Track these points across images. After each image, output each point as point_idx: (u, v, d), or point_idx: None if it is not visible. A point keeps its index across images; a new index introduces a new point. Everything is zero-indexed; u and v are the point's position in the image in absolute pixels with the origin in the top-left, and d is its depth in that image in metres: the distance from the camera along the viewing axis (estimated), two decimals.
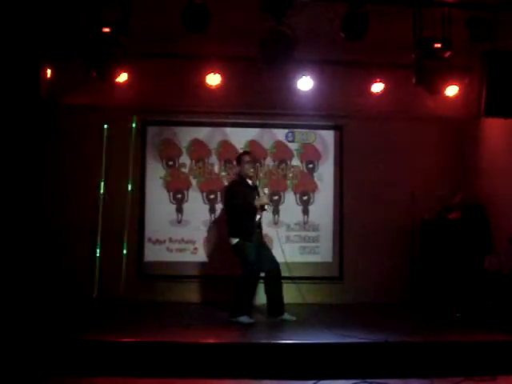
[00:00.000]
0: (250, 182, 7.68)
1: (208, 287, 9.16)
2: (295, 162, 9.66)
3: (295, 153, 9.67)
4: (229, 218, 7.60)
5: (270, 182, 9.54)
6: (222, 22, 7.10)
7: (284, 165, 9.65)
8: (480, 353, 6.17)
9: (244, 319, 7.27)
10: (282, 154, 9.67)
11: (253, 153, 8.48)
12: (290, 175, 9.64)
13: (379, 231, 9.18)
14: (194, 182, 9.51)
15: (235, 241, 7.45)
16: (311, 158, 9.67)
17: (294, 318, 7.52)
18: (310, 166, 9.64)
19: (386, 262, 9.07)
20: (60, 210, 8.85)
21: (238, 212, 7.46)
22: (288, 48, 7.02)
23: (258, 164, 9.45)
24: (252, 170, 7.69)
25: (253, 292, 7.51)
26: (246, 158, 7.69)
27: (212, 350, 6.06)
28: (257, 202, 7.46)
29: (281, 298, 7.59)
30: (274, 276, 7.56)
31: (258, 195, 7.63)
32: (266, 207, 7.54)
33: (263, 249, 7.63)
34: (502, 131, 8.38)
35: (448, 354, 6.16)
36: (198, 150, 9.53)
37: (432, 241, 8.73)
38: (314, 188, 9.65)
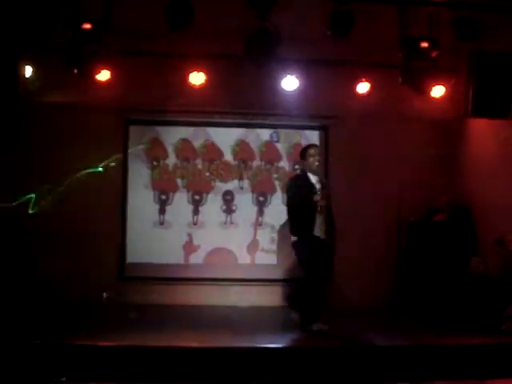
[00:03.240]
0: (312, 177, 7.15)
1: (193, 289, 9.03)
2: (282, 163, 9.59)
3: (284, 153, 9.59)
4: (288, 214, 7.23)
5: (257, 183, 9.50)
6: (206, 20, 7.03)
7: (270, 166, 9.57)
8: (469, 356, 6.11)
9: (316, 327, 6.80)
10: (270, 154, 9.59)
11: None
12: (276, 176, 9.55)
13: (365, 232, 9.09)
14: (179, 182, 9.40)
15: (293, 239, 7.07)
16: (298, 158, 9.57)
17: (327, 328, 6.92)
18: (297, 166, 9.55)
19: (372, 263, 8.98)
20: (39, 210, 8.67)
21: (294, 209, 7.11)
22: (273, 46, 6.97)
23: (243, 165, 9.39)
24: (317, 164, 7.21)
25: (316, 295, 6.92)
26: (311, 150, 7.21)
27: (195, 354, 5.93)
28: (315, 198, 6.97)
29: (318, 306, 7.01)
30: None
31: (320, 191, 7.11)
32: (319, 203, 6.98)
33: (322, 251, 7.02)
34: (488, 132, 8.36)
35: (436, 357, 6.09)
36: (184, 149, 9.44)
37: (418, 242, 8.70)
38: None
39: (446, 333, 7.04)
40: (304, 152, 7.28)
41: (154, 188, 9.36)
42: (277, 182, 9.56)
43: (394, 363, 5.99)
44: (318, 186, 7.06)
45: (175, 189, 9.40)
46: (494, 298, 7.11)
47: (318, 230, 6.94)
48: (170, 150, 9.42)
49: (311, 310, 6.91)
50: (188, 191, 9.42)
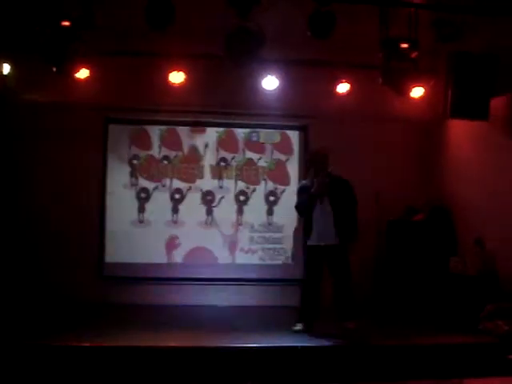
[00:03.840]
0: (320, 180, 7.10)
1: (173, 289, 8.99)
2: (262, 162, 9.58)
3: (266, 150, 9.60)
4: None
5: (240, 178, 9.53)
6: (187, 19, 6.95)
7: (253, 164, 9.56)
8: (445, 356, 6.15)
9: (296, 327, 6.92)
10: (251, 152, 9.58)
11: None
12: (259, 174, 9.56)
13: None
14: (159, 180, 9.35)
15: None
16: (279, 157, 9.64)
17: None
18: (283, 158, 9.62)
19: (351, 262, 8.96)
20: (16, 209, 8.64)
21: (300, 216, 7.35)
22: (254, 46, 6.92)
23: (223, 164, 9.38)
24: (317, 167, 7.18)
25: (305, 297, 7.07)
26: (312, 157, 7.35)
27: (174, 354, 5.90)
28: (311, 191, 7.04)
29: (342, 304, 7.01)
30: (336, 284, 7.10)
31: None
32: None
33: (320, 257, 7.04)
34: (467, 133, 8.41)
35: (415, 357, 6.12)
36: (164, 148, 9.38)
37: (397, 242, 8.69)
38: (286, 182, 9.59)
39: (424, 332, 7.07)
40: (310, 156, 7.45)
41: (134, 186, 9.30)
42: (261, 176, 9.58)
43: (371, 362, 6.02)
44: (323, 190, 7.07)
45: (155, 187, 9.34)
46: (472, 297, 7.16)
47: (316, 238, 7.00)
48: (150, 148, 9.37)
49: (300, 311, 7.03)
50: (168, 190, 9.37)
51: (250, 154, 9.57)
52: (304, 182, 7.46)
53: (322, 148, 7.44)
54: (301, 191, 7.30)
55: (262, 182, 9.54)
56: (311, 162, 7.30)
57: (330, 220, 6.98)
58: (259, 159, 9.55)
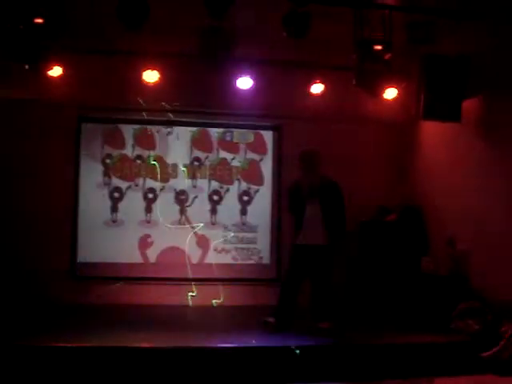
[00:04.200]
0: (310, 181, 7.23)
1: (145, 289, 8.95)
2: (236, 161, 9.58)
3: (240, 150, 9.61)
4: None
5: (212, 179, 9.52)
6: (162, 17, 6.95)
7: (226, 164, 9.55)
8: (417, 355, 6.22)
9: (267, 318, 7.00)
10: (224, 152, 9.58)
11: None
12: (233, 174, 9.56)
13: None
14: (132, 179, 9.31)
15: None
16: (253, 157, 9.65)
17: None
18: (257, 158, 9.64)
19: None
20: None
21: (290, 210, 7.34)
22: (228, 45, 6.93)
23: (197, 163, 9.36)
24: (304, 171, 7.29)
25: (284, 296, 7.10)
26: (302, 156, 7.33)
27: (146, 354, 5.90)
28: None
29: (319, 304, 7.09)
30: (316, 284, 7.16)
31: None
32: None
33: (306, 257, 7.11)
34: (439, 134, 8.49)
35: (385, 356, 6.18)
36: (138, 147, 9.34)
37: (369, 242, 8.74)
38: (260, 182, 9.61)
39: (396, 331, 7.12)
40: (300, 157, 7.36)
41: (107, 186, 9.23)
42: (235, 175, 9.58)
43: (344, 362, 6.06)
44: (313, 190, 7.16)
45: (128, 186, 9.29)
46: (444, 297, 7.24)
47: (304, 238, 7.07)
48: (123, 147, 9.31)
49: (277, 307, 7.07)
50: (141, 189, 9.33)
51: (223, 154, 9.56)
52: (295, 181, 7.45)
53: (314, 147, 7.48)
54: (291, 190, 7.34)
55: (236, 182, 9.54)
56: (302, 161, 7.30)
57: (319, 220, 7.06)
58: (233, 159, 9.55)
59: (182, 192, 9.39)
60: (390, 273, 8.19)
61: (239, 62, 7.95)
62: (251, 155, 9.62)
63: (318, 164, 7.30)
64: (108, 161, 9.24)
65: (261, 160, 9.64)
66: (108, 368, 5.70)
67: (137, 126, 9.35)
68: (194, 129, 9.48)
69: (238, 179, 9.55)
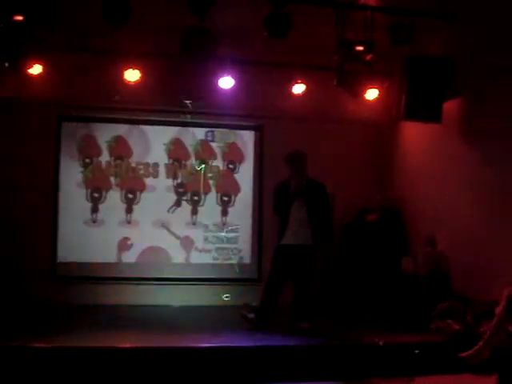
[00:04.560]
0: (297, 182, 7.17)
1: (127, 289, 8.90)
2: (217, 162, 9.57)
3: (219, 152, 9.58)
4: None
5: (191, 182, 9.46)
6: (143, 16, 6.92)
7: (205, 165, 9.54)
8: (397, 354, 6.22)
9: (248, 314, 7.02)
10: (205, 153, 9.55)
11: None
12: (211, 175, 9.52)
13: None
14: (112, 180, 9.25)
15: None
16: (233, 158, 9.62)
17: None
18: (231, 166, 9.56)
19: None
20: None
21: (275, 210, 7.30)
22: (210, 45, 6.92)
23: (177, 163, 9.34)
24: (292, 172, 7.24)
25: (267, 295, 7.10)
26: (291, 156, 7.31)
27: (128, 354, 5.85)
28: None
29: (300, 304, 7.09)
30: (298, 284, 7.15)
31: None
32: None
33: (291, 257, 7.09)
34: (419, 135, 8.54)
35: (365, 355, 6.19)
36: (118, 147, 9.29)
37: (350, 242, 8.78)
38: (237, 189, 9.57)
39: (377, 331, 7.12)
40: (287, 158, 7.33)
41: (87, 186, 9.16)
42: (211, 182, 9.52)
43: (325, 362, 6.05)
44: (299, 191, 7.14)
45: (108, 187, 9.24)
46: (424, 297, 7.29)
47: (290, 238, 7.06)
48: (104, 147, 9.24)
49: (260, 306, 7.10)
50: (121, 189, 9.28)
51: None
52: (281, 181, 7.40)
53: (301, 148, 7.46)
54: (278, 190, 7.30)
55: (213, 189, 9.57)
56: (290, 161, 7.29)
57: (305, 221, 7.06)
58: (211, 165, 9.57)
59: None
60: (370, 273, 8.22)
61: (221, 62, 7.93)
62: (230, 158, 9.63)
63: (305, 165, 7.31)
64: (87, 160, 9.18)
65: (235, 168, 9.63)
66: (87, 368, 5.64)
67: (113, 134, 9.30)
68: (168, 140, 9.44)
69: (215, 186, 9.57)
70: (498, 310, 5.24)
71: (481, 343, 5.37)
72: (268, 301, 7.09)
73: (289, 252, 7.07)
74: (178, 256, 9.31)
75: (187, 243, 9.35)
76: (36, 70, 7.51)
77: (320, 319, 7.52)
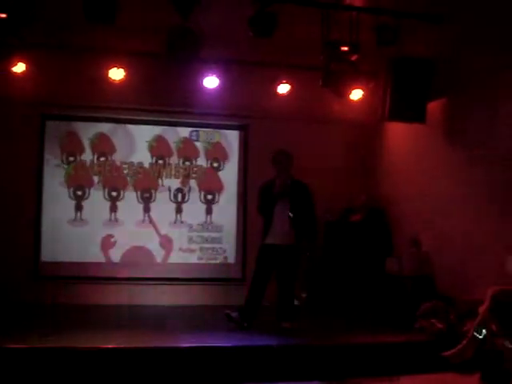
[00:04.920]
0: (281, 182, 7.18)
1: (110, 288, 8.84)
2: (201, 160, 9.54)
3: (202, 151, 9.55)
4: None
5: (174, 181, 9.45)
6: (128, 15, 6.86)
7: (189, 163, 9.50)
8: (382, 354, 6.25)
9: (232, 313, 7.00)
10: (188, 151, 9.51)
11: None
12: (194, 175, 9.49)
13: None
14: (95, 178, 9.19)
15: None
16: (217, 156, 9.59)
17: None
18: (215, 164, 9.54)
19: None
20: None
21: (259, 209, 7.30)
22: (195, 45, 6.90)
23: (161, 162, 9.31)
24: (278, 170, 7.25)
25: (251, 295, 7.10)
26: (275, 156, 7.30)
27: (113, 354, 5.82)
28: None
29: (283, 304, 7.12)
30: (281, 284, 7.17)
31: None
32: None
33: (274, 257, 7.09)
34: (404, 136, 8.59)
35: (349, 355, 6.20)
36: (101, 144, 9.23)
37: (334, 242, 8.79)
38: (220, 187, 9.55)
39: (361, 331, 7.15)
40: (273, 158, 7.32)
41: (70, 184, 9.10)
42: (193, 181, 9.51)
43: (309, 362, 6.05)
44: (282, 191, 7.14)
45: (91, 185, 9.18)
46: (408, 297, 7.32)
47: (273, 237, 7.07)
48: (87, 145, 9.18)
49: (245, 306, 7.07)
50: (104, 188, 9.22)
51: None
52: (266, 181, 7.39)
53: (286, 149, 7.46)
54: (263, 190, 7.31)
55: (196, 189, 9.54)
56: (276, 162, 7.28)
57: (288, 221, 7.06)
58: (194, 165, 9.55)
59: (147, 191, 9.33)
60: (354, 273, 8.23)
61: (206, 62, 7.93)
62: (210, 161, 9.61)
63: (290, 166, 7.32)
64: (71, 158, 9.12)
65: (219, 166, 9.62)
66: (69, 369, 5.60)
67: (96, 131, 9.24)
68: (151, 137, 9.40)
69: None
70: (482, 309, 5.27)
71: (464, 342, 5.40)
72: (252, 300, 7.09)
73: (272, 252, 7.07)
74: (161, 255, 9.28)
75: (169, 242, 9.32)
76: (19, 68, 7.46)
77: (305, 319, 7.55)
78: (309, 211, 7.22)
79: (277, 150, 7.41)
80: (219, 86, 8.40)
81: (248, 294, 7.17)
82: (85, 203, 9.11)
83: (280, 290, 7.10)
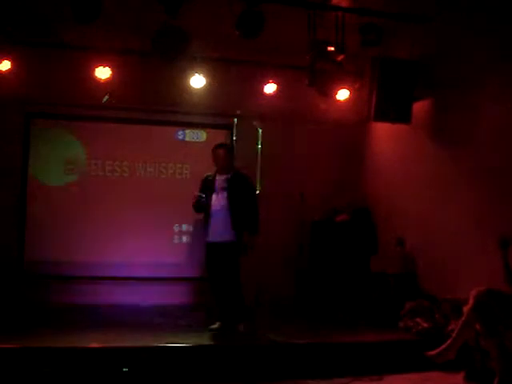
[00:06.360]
0: (220, 176, 7.08)
1: (94, 288, 8.80)
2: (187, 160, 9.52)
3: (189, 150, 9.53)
4: None
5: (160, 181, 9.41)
6: (115, 13, 6.87)
7: (175, 164, 9.50)
8: (367, 353, 6.29)
9: (212, 325, 6.92)
10: (174, 151, 9.51)
11: None
12: (180, 176, 9.50)
13: (269, 231, 9.09)
14: (84, 177, 9.17)
15: None
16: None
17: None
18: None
19: (273, 261, 9.00)
20: None
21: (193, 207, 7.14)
22: (182, 43, 6.89)
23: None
24: (222, 163, 7.13)
25: (213, 296, 7.05)
26: (215, 149, 7.17)
27: (96, 354, 5.81)
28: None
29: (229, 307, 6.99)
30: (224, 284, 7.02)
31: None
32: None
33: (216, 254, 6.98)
34: (388, 136, 8.64)
35: (334, 354, 6.21)
36: (88, 144, 9.18)
37: (320, 242, 8.81)
38: None
39: (346, 330, 7.20)
40: (212, 152, 7.22)
41: (57, 183, 9.06)
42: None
43: (294, 361, 6.08)
44: (221, 185, 7.03)
45: (79, 183, 9.14)
46: (393, 296, 7.36)
47: (213, 235, 6.96)
48: (73, 144, 9.14)
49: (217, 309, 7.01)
50: (91, 186, 9.18)
51: None
52: (206, 175, 7.28)
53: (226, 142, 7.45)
54: (201, 184, 7.21)
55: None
56: (215, 155, 7.18)
57: (227, 216, 6.89)
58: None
59: None
60: (339, 272, 8.27)
61: (193, 61, 7.92)
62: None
63: (230, 158, 7.26)
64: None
65: None
66: (56, 369, 5.56)
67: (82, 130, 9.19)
68: (145, 129, 9.37)
69: None
70: (466, 308, 5.30)
71: (449, 342, 5.43)
72: (218, 301, 7.00)
73: (214, 250, 6.95)
74: (142, 254, 9.15)
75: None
76: (4, 66, 7.42)
77: (291, 318, 7.57)
78: (250, 204, 7.01)
79: (216, 144, 7.37)
80: (206, 84, 8.38)
81: (214, 298, 7.08)
82: (71, 202, 9.05)
83: (226, 290, 6.93)
